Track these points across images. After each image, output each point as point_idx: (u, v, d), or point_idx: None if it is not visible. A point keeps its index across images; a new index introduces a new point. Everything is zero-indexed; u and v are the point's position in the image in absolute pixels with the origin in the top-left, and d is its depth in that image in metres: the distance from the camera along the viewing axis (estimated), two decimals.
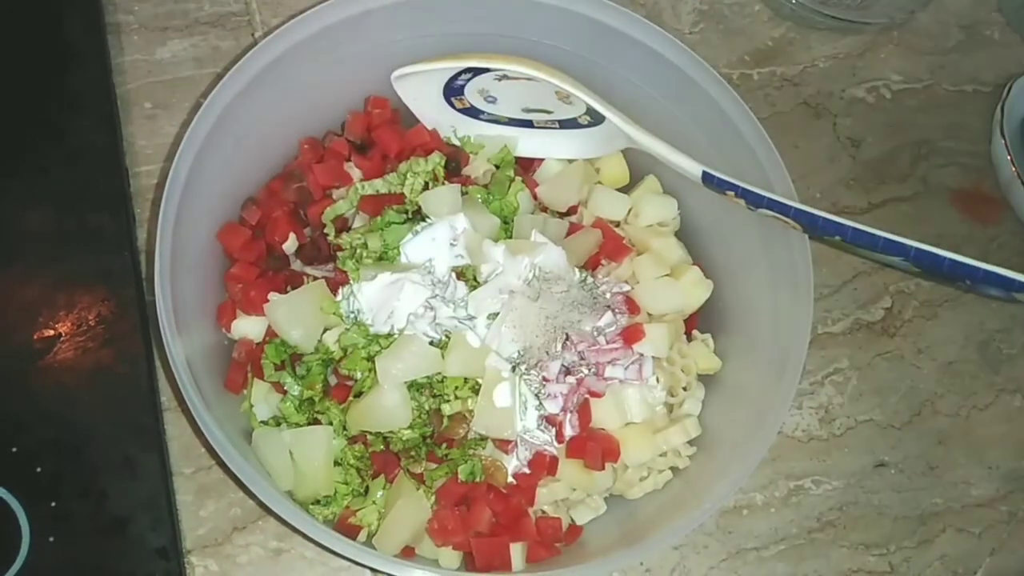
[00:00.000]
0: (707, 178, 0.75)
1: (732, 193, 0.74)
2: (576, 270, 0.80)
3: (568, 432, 0.75)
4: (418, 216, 0.79)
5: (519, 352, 0.75)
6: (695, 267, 0.85)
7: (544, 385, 0.75)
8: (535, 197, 0.85)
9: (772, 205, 0.71)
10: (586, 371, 0.77)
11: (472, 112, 0.85)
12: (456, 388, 0.74)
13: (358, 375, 0.74)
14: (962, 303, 1.01)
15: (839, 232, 0.67)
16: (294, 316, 0.75)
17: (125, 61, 0.95)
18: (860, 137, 1.07)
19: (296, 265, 0.82)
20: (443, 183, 0.81)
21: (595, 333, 0.78)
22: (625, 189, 0.89)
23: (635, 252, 0.84)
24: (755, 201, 0.72)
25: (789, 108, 1.07)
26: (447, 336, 0.74)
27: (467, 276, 0.77)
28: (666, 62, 0.80)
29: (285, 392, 0.76)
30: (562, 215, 0.86)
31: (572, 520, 0.78)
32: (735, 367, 0.83)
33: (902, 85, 1.11)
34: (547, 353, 0.76)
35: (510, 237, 0.81)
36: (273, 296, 0.77)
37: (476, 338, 0.74)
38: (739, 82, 1.06)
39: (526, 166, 0.88)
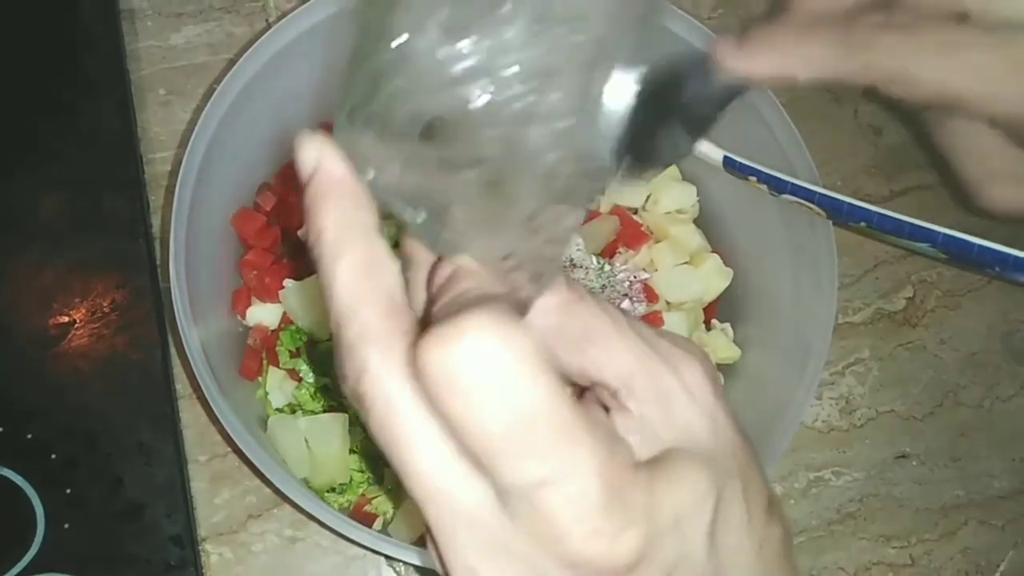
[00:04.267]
0: (729, 163, 0.73)
1: (755, 178, 0.72)
2: (593, 258, 0.79)
3: None
4: None
5: None
6: (714, 255, 0.84)
7: None
8: None
9: (796, 191, 0.69)
10: None
11: None
12: None
13: None
14: (986, 293, 1.00)
15: (865, 218, 0.66)
16: (309, 303, 0.75)
17: (139, 47, 0.94)
18: (881, 123, 1.05)
19: None
20: None
21: None
22: None
23: (653, 240, 0.83)
24: (778, 186, 0.71)
25: (808, 93, 1.04)
26: None
27: None
28: (686, 45, 0.78)
29: (300, 379, 0.75)
30: None
31: None
32: (755, 357, 0.81)
33: None
34: None
35: None
36: (288, 283, 0.76)
37: None
38: None
39: None
